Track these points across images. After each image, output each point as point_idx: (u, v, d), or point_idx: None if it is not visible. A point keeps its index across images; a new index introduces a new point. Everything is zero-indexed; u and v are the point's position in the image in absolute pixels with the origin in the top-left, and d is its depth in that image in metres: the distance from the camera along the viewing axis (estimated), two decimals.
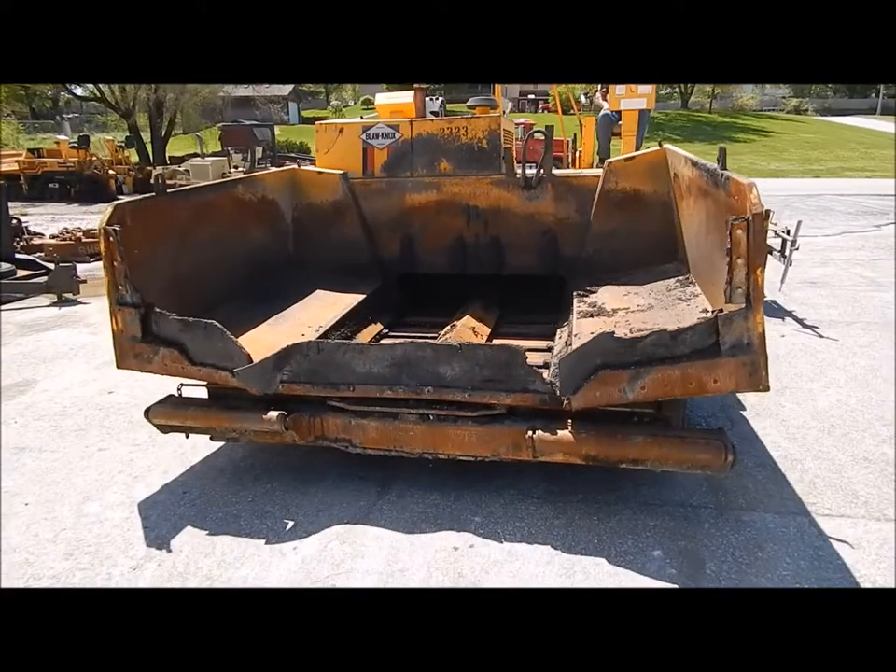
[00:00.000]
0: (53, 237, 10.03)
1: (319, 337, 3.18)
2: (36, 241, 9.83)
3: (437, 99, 8.26)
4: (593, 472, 2.83)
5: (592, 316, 3.10)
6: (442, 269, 4.30)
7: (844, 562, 2.41)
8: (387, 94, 5.00)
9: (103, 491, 3.06)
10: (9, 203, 8.83)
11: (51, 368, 4.82)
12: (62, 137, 21.77)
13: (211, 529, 2.71)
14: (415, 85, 4.64)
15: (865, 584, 2.29)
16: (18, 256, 8.26)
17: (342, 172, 4.26)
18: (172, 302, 2.83)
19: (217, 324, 2.66)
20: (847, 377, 4.26)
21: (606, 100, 7.20)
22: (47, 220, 14.15)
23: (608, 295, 3.40)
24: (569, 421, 2.51)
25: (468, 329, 3.60)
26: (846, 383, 4.17)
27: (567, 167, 8.26)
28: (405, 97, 4.73)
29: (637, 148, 6.09)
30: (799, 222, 5.37)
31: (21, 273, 7.68)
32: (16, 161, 19.59)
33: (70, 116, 33.75)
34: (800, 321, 5.60)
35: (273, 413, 2.69)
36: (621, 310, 3.10)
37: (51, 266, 7.31)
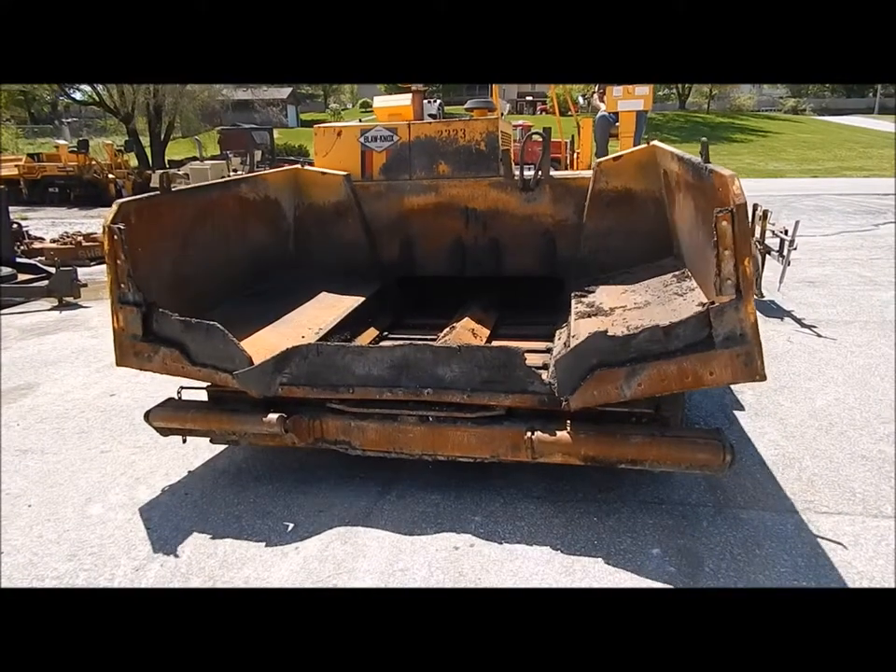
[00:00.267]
0: (54, 241, 10.08)
1: (319, 339, 3.20)
2: (37, 245, 9.86)
3: (435, 101, 8.27)
4: (592, 471, 2.85)
5: (589, 316, 3.12)
6: (441, 271, 4.32)
7: (841, 559, 2.43)
8: (385, 97, 5.02)
9: (105, 493, 3.08)
10: (10, 208, 8.86)
11: (53, 371, 4.84)
12: (61, 142, 21.84)
13: (213, 530, 2.73)
14: (413, 88, 4.66)
15: (862, 581, 2.31)
16: (18, 260, 8.28)
17: (345, 173, 4.26)
18: (172, 300, 2.84)
19: (218, 325, 2.67)
20: (845, 376, 4.28)
21: (603, 101, 7.23)
22: (47, 225, 14.18)
23: (605, 294, 3.42)
24: (568, 422, 2.52)
25: (467, 331, 3.62)
26: (844, 381, 4.18)
27: (566, 169, 8.27)
28: (403, 100, 4.75)
29: None
30: (797, 222, 5.39)
31: (21, 277, 7.71)
32: (16, 166, 19.63)
33: (69, 120, 33.84)
34: (798, 321, 5.61)
35: (273, 416, 2.70)
36: (618, 308, 3.11)
37: (52, 270, 7.34)
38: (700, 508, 2.80)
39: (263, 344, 2.95)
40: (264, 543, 2.63)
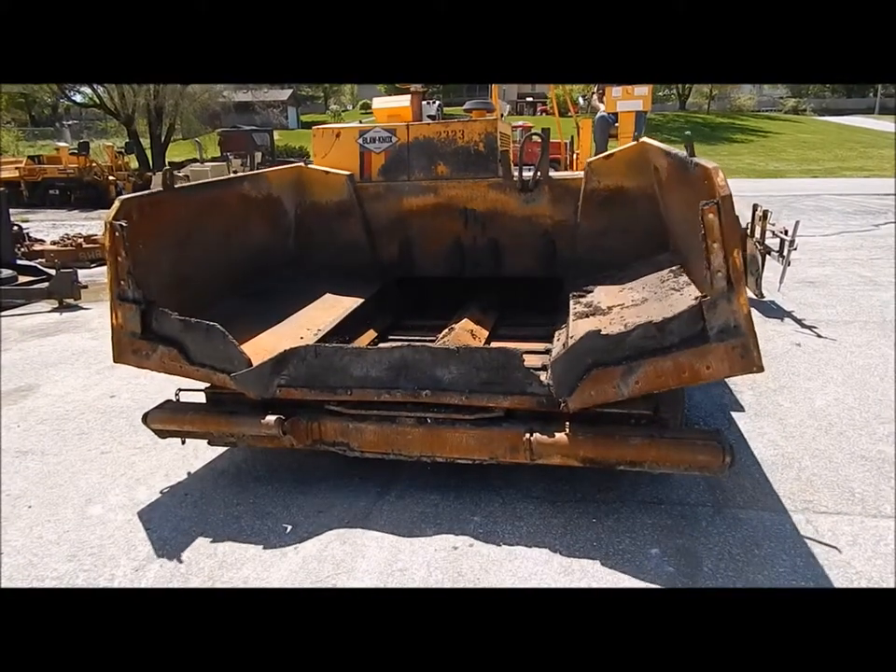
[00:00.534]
0: (54, 243, 10.08)
1: (318, 340, 3.20)
2: (37, 247, 9.87)
3: (434, 103, 8.27)
4: (591, 472, 2.84)
5: (588, 316, 3.11)
6: (441, 272, 4.32)
7: (840, 559, 2.43)
8: (384, 98, 5.03)
9: (105, 494, 3.08)
10: (10, 210, 8.87)
11: (53, 372, 4.85)
12: (61, 144, 21.88)
13: (212, 530, 2.73)
14: (412, 89, 4.66)
15: (861, 581, 2.31)
16: (19, 262, 8.29)
17: (348, 173, 4.25)
18: (172, 298, 2.83)
19: (218, 326, 2.66)
20: (845, 376, 4.28)
21: (602, 102, 7.24)
22: (47, 227, 14.19)
23: (603, 293, 3.41)
24: (567, 423, 2.52)
25: (466, 332, 3.61)
26: (843, 381, 4.18)
27: (566, 169, 8.28)
28: (402, 101, 4.75)
29: None
30: (797, 222, 5.38)
31: (22, 278, 7.72)
32: (16, 168, 19.67)
33: (70, 122, 33.88)
34: (798, 321, 5.61)
35: (271, 418, 2.70)
36: (616, 307, 3.10)
37: (52, 272, 7.36)
38: (699, 508, 2.80)
39: (261, 345, 2.95)
40: (263, 544, 2.63)
